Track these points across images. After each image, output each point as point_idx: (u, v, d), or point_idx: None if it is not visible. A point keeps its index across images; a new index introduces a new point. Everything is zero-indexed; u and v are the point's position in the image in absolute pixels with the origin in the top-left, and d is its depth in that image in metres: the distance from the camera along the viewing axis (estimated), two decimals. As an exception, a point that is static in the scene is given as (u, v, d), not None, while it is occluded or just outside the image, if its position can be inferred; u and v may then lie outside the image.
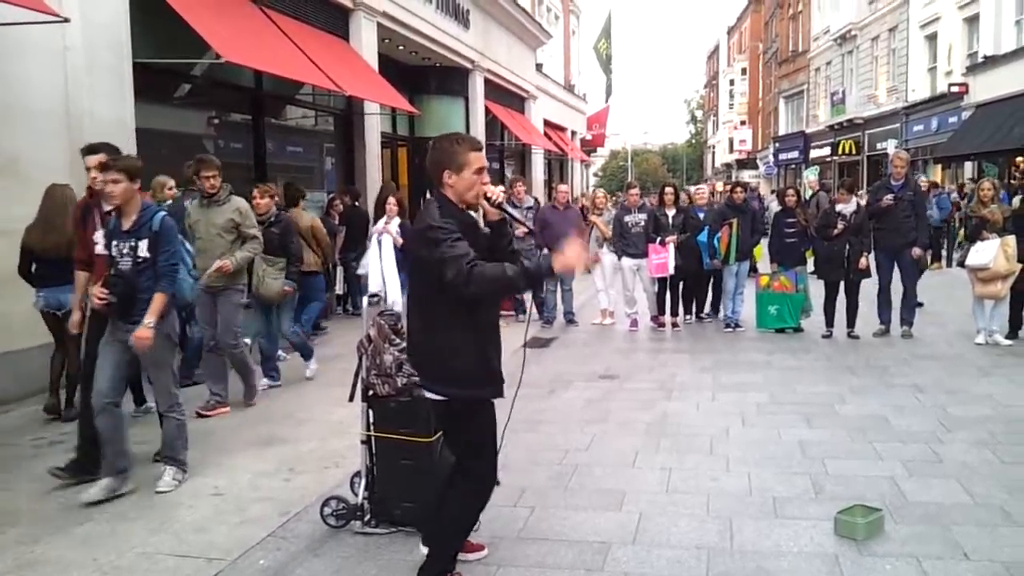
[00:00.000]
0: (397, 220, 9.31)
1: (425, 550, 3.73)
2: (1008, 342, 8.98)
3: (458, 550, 3.76)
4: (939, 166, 25.93)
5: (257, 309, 7.69)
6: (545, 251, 10.70)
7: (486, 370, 3.51)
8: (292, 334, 7.94)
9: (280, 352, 8.97)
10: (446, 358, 3.46)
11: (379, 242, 9.22)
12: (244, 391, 7.10)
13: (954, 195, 18.66)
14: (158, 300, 4.89)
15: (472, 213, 3.60)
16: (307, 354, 8.15)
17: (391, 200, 9.44)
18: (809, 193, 21.37)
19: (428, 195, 11.06)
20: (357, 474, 4.50)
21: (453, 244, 3.28)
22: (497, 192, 3.53)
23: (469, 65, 18.59)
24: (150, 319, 4.83)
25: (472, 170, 3.45)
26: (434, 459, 4.26)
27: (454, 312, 3.41)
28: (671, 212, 10.64)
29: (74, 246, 5.90)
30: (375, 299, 8.70)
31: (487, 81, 19.93)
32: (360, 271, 9.79)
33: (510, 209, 3.61)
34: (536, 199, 15.02)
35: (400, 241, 8.95)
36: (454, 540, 3.69)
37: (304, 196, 9.45)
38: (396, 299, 8.58)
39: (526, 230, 10.03)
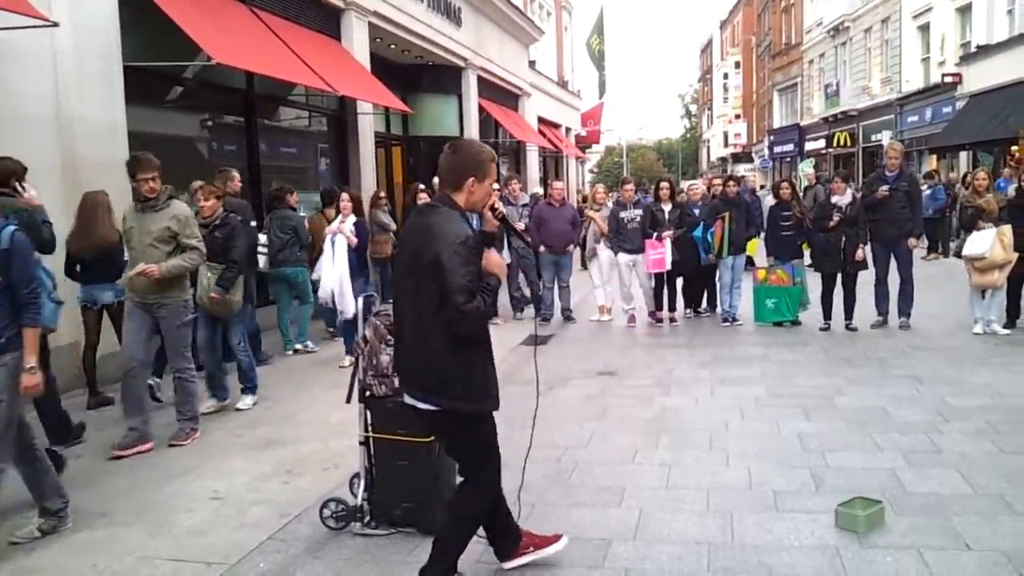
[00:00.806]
0: (352, 219, 8.55)
1: None
2: (1006, 331, 8.98)
3: (460, 554, 3.72)
4: (934, 156, 25.93)
5: (201, 320, 6.74)
6: (541, 249, 10.70)
7: (487, 383, 3.49)
8: (240, 351, 7.03)
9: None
10: (448, 371, 3.37)
11: (332, 243, 8.38)
12: (176, 429, 6.09)
13: (958, 187, 18.60)
14: (30, 338, 4.19)
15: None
16: (249, 382, 7.11)
17: (344, 197, 8.66)
18: (806, 185, 21.33)
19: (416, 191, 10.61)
20: (356, 475, 4.49)
21: (469, 271, 3.28)
22: (502, 206, 3.60)
23: (462, 63, 18.56)
24: (30, 362, 4.19)
25: (491, 180, 3.53)
26: (432, 459, 4.25)
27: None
28: (667, 207, 10.63)
29: (110, 247, 6.66)
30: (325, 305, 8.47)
31: (480, 79, 19.90)
32: (313, 276, 8.81)
33: (511, 224, 3.70)
34: (535, 195, 15.02)
35: (355, 241, 8.34)
36: (460, 544, 3.66)
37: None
38: (347, 309, 8.04)
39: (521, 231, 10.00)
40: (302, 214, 9.78)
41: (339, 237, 8.35)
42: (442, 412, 3.44)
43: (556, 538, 3.98)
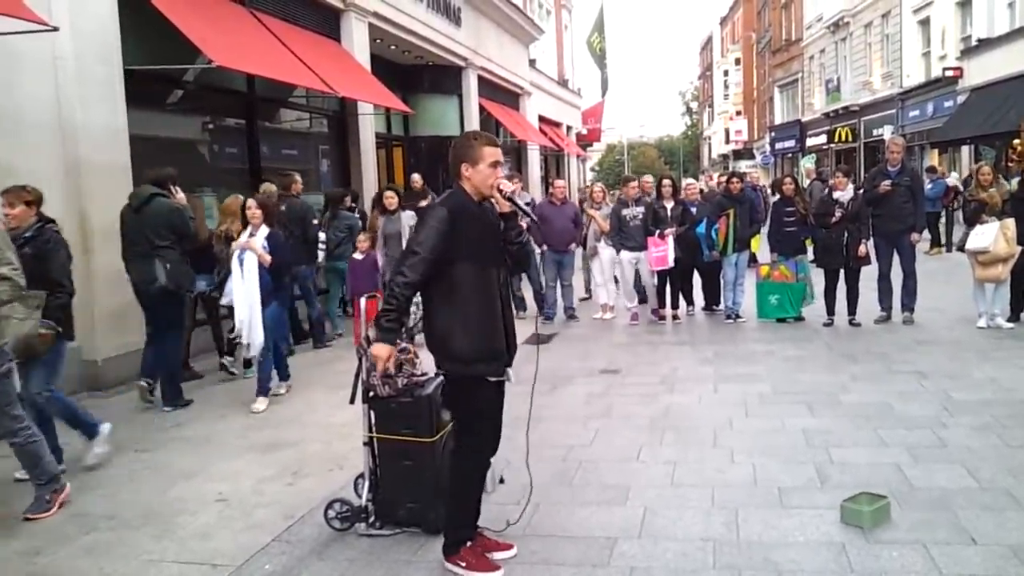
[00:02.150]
0: (264, 231, 6.96)
1: None
2: (1010, 325, 8.96)
3: (475, 520, 3.91)
4: (936, 151, 25.90)
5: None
6: (544, 248, 10.71)
7: (481, 348, 3.68)
8: (42, 397, 5.32)
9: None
10: (443, 336, 3.69)
11: (240, 261, 6.83)
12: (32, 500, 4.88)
13: (951, 179, 18.56)
14: None
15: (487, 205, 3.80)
16: (84, 427, 5.66)
17: (251, 204, 7.07)
18: (807, 182, 21.30)
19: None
20: (360, 476, 4.48)
21: (424, 244, 3.59)
22: (509, 185, 3.74)
23: (462, 63, 18.56)
24: None
25: (487, 163, 3.68)
26: (436, 459, 4.25)
27: (446, 292, 3.66)
28: (669, 205, 10.62)
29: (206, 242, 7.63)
30: (237, 338, 7.17)
31: (481, 78, 19.90)
32: (224, 300, 7.31)
33: (518, 201, 3.82)
34: (532, 199, 15.03)
35: (268, 259, 6.83)
36: (459, 510, 3.85)
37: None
38: (255, 342, 6.79)
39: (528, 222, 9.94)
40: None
41: (248, 254, 6.82)
42: (446, 375, 3.86)
43: (508, 545, 4.01)
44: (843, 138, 34.42)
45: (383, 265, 9.36)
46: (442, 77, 18.17)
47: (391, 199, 9.64)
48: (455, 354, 3.68)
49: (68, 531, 4.55)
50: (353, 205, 11.24)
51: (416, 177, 12.76)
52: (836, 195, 9.63)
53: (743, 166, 50.55)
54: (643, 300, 10.98)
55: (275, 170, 11.85)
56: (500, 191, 3.68)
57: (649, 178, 11.32)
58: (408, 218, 9.33)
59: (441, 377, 4.30)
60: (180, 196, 7.32)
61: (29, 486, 4.92)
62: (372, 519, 4.34)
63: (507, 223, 3.78)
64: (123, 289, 7.31)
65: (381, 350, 3.72)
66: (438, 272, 3.62)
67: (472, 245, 3.63)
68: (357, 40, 13.13)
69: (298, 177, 9.82)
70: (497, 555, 3.96)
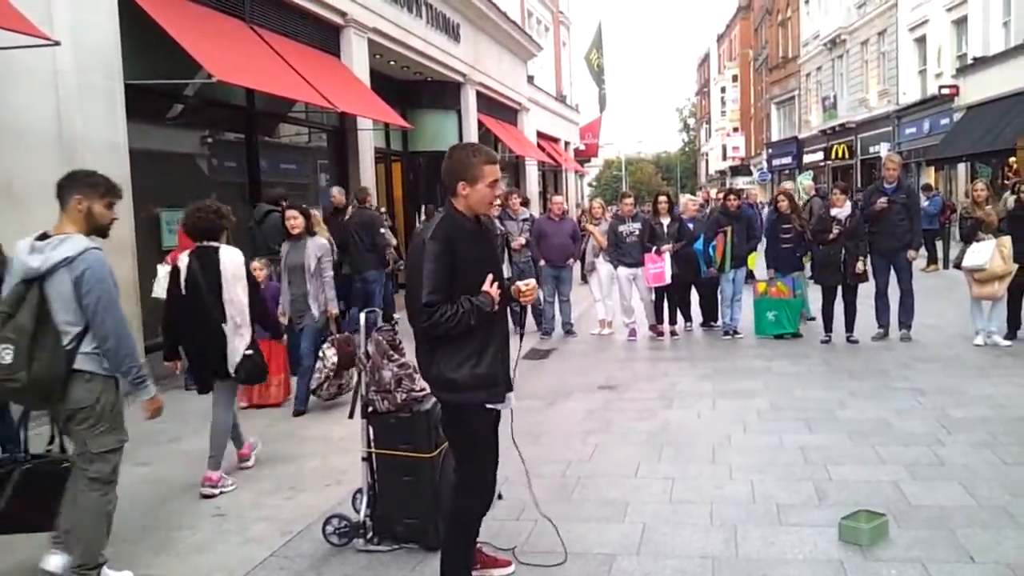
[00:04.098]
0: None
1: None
2: (1007, 343, 8.97)
3: (472, 558, 3.75)
4: (932, 168, 26.00)
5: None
6: (541, 263, 10.72)
7: (481, 377, 3.47)
8: None
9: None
10: (439, 363, 3.47)
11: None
12: None
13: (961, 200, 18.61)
14: None
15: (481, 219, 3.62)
16: None
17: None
18: (806, 198, 21.32)
19: (424, 208, 10.95)
20: (359, 491, 4.48)
21: (433, 291, 3.33)
22: (520, 240, 3.60)
23: (461, 79, 18.64)
24: None
25: (486, 183, 3.47)
26: (435, 475, 4.25)
27: None
28: (666, 221, 10.65)
29: None
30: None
31: (479, 94, 19.98)
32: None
33: (508, 240, 3.65)
34: (531, 215, 15.06)
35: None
36: (456, 544, 3.66)
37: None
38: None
39: (523, 242, 10.05)
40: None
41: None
42: (443, 404, 3.59)
43: (506, 562, 4.01)
44: (840, 155, 34.55)
45: (284, 304, 7.44)
46: (441, 93, 18.24)
47: (295, 221, 7.33)
48: (453, 382, 3.46)
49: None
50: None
51: (336, 191, 11.59)
52: (834, 212, 9.65)
53: (740, 182, 50.71)
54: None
55: (274, 184, 11.89)
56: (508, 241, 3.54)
57: (629, 200, 11.23)
58: (316, 248, 7.27)
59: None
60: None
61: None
62: (370, 535, 4.34)
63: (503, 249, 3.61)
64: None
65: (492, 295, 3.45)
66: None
67: (468, 268, 3.42)
68: (356, 55, 13.19)
69: (372, 191, 10.87)
70: (496, 572, 3.95)
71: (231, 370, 5.29)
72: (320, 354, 7.08)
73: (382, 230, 10.16)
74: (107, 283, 3.79)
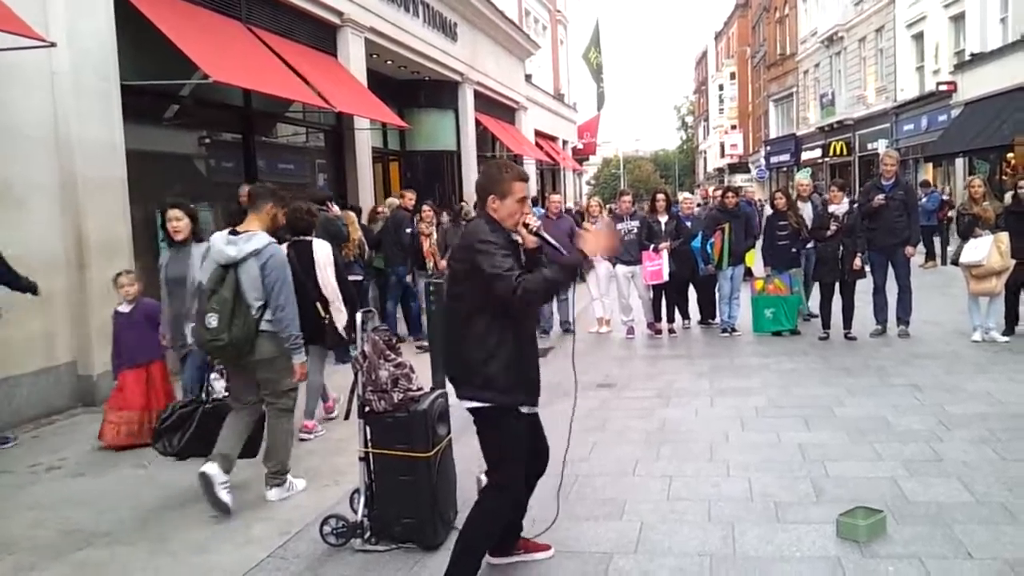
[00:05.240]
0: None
1: None
2: (1004, 339, 8.97)
3: (481, 562, 3.78)
4: (930, 165, 26.00)
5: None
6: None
7: (519, 378, 3.62)
8: None
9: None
10: (480, 364, 3.57)
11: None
12: None
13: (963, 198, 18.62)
14: None
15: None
16: None
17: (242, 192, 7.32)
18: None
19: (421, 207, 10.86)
20: (356, 491, 4.48)
21: (503, 259, 3.47)
22: (535, 220, 3.69)
23: (458, 78, 18.63)
24: None
25: (515, 198, 3.64)
26: (432, 475, 4.25)
27: (492, 322, 3.57)
28: (664, 219, 10.66)
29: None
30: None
31: (476, 93, 19.97)
32: None
33: (547, 236, 3.74)
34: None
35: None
36: (471, 550, 3.69)
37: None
38: None
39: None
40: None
41: None
42: (478, 409, 3.66)
43: (547, 547, 4.14)
44: (838, 152, 34.59)
45: (166, 323, 6.37)
46: (438, 92, 18.25)
47: (177, 223, 6.20)
48: (496, 382, 3.56)
49: (62, 547, 4.52)
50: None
51: (244, 189, 8.81)
52: (832, 209, 9.66)
53: (739, 180, 50.76)
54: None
55: (273, 184, 11.90)
56: (526, 226, 3.64)
57: (627, 198, 11.25)
58: (201, 253, 5.55)
59: (437, 392, 4.33)
60: (335, 210, 9.32)
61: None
62: (368, 535, 4.33)
63: (531, 260, 3.71)
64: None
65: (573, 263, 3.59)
66: (476, 299, 3.55)
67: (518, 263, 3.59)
68: (353, 55, 13.18)
69: (409, 195, 11.30)
70: (538, 556, 4.09)
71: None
72: (207, 387, 5.67)
73: (407, 229, 10.54)
74: (284, 269, 4.93)
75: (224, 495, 4.79)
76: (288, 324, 4.89)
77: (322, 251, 6.18)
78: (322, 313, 6.16)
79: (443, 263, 10.02)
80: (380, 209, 11.82)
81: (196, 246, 6.06)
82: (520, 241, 3.70)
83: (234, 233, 4.91)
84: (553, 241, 3.76)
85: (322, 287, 6.15)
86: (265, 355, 4.91)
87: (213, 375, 5.67)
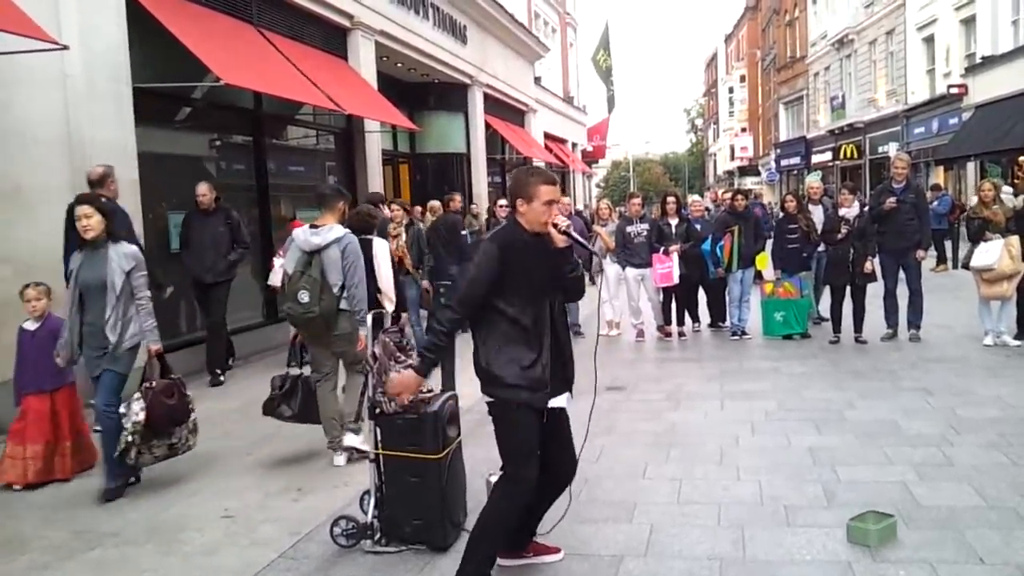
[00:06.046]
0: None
1: None
2: (1016, 343, 8.93)
3: (494, 556, 3.82)
4: (941, 168, 25.90)
5: None
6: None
7: (525, 375, 3.67)
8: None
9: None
10: (490, 360, 3.72)
11: None
12: None
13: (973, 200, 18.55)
14: None
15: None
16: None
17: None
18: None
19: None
20: (366, 493, 4.49)
21: (469, 284, 3.73)
22: (564, 220, 3.75)
23: (468, 80, 18.65)
24: None
25: (542, 201, 3.71)
26: (442, 476, 4.25)
27: (494, 321, 3.71)
28: (674, 221, 10.65)
29: None
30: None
31: (486, 96, 19.99)
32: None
33: (576, 235, 3.81)
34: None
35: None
36: (483, 544, 3.72)
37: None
38: None
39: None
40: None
41: None
42: (491, 402, 3.80)
43: (557, 549, 4.15)
44: (848, 155, 34.45)
45: (62, 340, 5.48)
46: (448, 94, 18.26)
47: (88, 221, 5.30)
48: (498, 378, 3.69)
49: (74, 547, 4.55)
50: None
51: (203, 188, 8.80)
52: (842, 212, 9.63)
53: (748, 183, 50.63)
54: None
55: (284, 187, 11.90)
56: (555, 226, 3.70)
57: (636, 200, 11.22)
58: (123, 258, 5.31)
59: (448, 394, 4.37)
60: (385, 211, 9.84)
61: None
62: (378, 536, 4.34)
63: (562, 258, 3.77)
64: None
65: (411, 382, 3.83)
66: (487, 303, 3.69)
67: (521, 277, 3.67)
68: (364, 58, 13.21)
69: (457, 196, 11.53)
70: (548, 559, 4.11)
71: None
72: (122, 410, 5.25)
73: (463, 231, 10.56)
74: (359, 254, 5.79)
75: (366, 446, 5.19)
76: (359, 300, 5.68)
77: (380, 248, 6.67)
78: (381, 302, 6.63)
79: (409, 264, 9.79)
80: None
81: (113, 247, 5.33)
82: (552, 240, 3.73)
83: (313, 227, 5.75)
84: (582, 240, 3.91)
85: (379, 280, 6.62)
86: (343, 331, 5.75)
87: (136, 395, 5.22)
